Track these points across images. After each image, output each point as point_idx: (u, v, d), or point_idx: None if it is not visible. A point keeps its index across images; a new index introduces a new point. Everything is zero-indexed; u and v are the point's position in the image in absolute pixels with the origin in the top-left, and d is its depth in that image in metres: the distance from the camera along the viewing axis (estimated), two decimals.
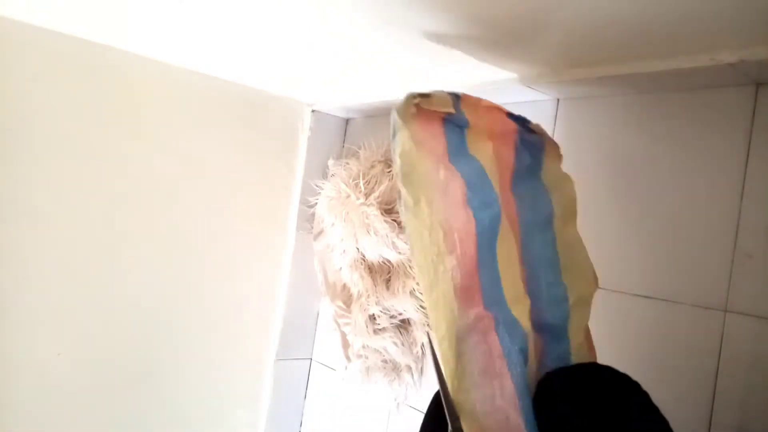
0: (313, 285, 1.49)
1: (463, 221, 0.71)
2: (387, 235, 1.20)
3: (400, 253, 1.21)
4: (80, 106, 1.19)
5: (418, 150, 0.71)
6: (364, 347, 1.32)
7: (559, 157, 0.88)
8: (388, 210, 1.23)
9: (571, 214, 0.85)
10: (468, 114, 0.78)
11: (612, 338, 0.92)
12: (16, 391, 1.16)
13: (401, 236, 1.20)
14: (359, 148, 1.40)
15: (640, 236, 0.93)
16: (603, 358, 0.90)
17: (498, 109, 0.82)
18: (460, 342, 0.68)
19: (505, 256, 0.74)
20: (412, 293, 1.21)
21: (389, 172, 1.31)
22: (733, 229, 0.82)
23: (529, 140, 0.86)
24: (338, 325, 1.40)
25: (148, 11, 0.96)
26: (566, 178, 0.87)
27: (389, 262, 1.27)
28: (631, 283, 0.92)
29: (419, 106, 0.73)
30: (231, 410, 1.44)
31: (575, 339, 0.81)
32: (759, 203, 0.80)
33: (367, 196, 1.26)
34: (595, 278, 0.84)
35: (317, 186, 1.48)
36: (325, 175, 1.50)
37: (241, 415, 1.45)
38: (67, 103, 1.18)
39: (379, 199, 1.24)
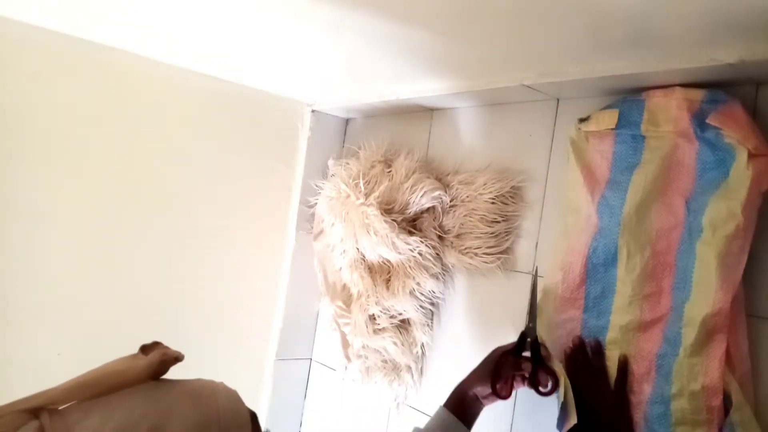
0: (313, 285, 1.49)
1: (580, 245, 0.92)
2: (387, 235, 1.20)
3: (399, 253, 1.21)
4: (80, 106, 1.19)
5: (578, 183, 0.94)
6: (364, 347, 1.31)
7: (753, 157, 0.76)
8: (388, 210, 1.23)
9: (720, 230, 0.76)
10: (646, 101, 0.87)
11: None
12: (16, 391, 1.16)
13: (401, 236, 1.20)
14: (359, 148, 1.40)
15: None
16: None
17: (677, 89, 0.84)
18: (552, 330, 0.95)
19: (632, 270, 0.86)
20: (411, 293, 1.21)
21: (389, 172, 1.31)
22: None
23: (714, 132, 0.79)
24: (338, 325, 1.40)
25: (148, 11, 0.96)
26: (740, 183, 0.76)
27: (389, 262, 1.26)
28: None
29: (588, 130, 0.92)
30: None
31: (680, 383, 0.79)
32: None
33: (367, 196, 1.26)
34: (714, 303, 0.76)
35: (317, 186, 1.48)
36: (325, 175, 1.50)
37: None
38: (67, 103, 1.18)
39: (379, 199, 1.24)
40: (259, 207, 1.46)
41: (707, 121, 0.78)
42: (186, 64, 1.29)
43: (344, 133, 1.57)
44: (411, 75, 1.13)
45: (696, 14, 0.67)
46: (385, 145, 1.37)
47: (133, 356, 0.76)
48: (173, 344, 1.41)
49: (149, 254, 1.30)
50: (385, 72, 1.14)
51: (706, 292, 0.76)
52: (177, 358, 0.76)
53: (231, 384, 0.73)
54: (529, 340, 0.93)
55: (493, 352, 0.95)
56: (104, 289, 1.25)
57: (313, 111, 1.50)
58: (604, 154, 0.92)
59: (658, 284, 0.84)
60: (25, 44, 1.12)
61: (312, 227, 1.49)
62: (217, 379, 0.74)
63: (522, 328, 0.94)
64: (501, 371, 0.91)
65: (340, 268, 1.39)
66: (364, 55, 1.03)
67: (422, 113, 1.35)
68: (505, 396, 0.91)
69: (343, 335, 1.39)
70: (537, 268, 1.01)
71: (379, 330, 1.28)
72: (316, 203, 1.47)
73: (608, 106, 0.93)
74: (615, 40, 0.79)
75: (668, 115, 0.84)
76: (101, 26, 1.11)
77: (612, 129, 0.90)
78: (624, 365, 0.86)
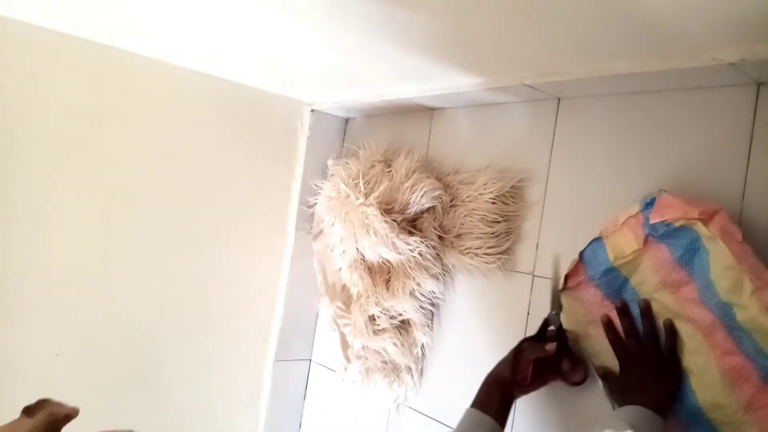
0: (313, 285, 1.49)
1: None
2: (387, 235, 1.20)
3: (399, 253, 1.21)
4: (80, 105, 1.19)
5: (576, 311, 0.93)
6: (363, 348, 1.31)
7: (708, 229, 0.77)
8: (388, 210, 1.23)
9: (736, 291, 0.74)
10: (603, 238, 0.88)
11: None
12: (15, 391, 1.16)
13: (401, 236, 1.19)
14: (359, 148, 1.40)
15: None
16: None
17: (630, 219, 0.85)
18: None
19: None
20: (411, 294, 1.21)
21: (389, 171, 1.30)
22: None
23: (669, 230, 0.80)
24: (338, 325, 1.40)
25: (148, 11, 0.96)
26: (720, 255, 0.76)
27: (389, 262, 1.26)
28: None
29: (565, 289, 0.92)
30: (230, 411, 1.43)
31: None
32: (760, 203, 0.80)
33: (366, 196, 1.26)
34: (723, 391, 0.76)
35: (317, 186, 1.47)
36: (324, 175, 1.50)
37: (240, 416, 1.45)
38: (67, 103, 1.18)
39: (379, 199, 1.23)
40: (258, 207, 1.46)
41: (651, 223, 0.81)
42: (186, 64, 1.29)
43: (344, 132, 1.57)
44: (411, 74, 1.12)
45: (697, 13, 0.67)
46: (384, 145, 1.37)
47: (16, 421, 0.67)
48: (172, 344, 1.42)
49: (148, 254, 1.30)
50: (385, 71, 1.13)
51: None
52: (68, 415, 0.67)
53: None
54: (552, 328, 0.91)
55: (518, 344, 0.94)
56: (102, 289, 1.24)
57: (312, 110, 1.50)
58: (597, 298, 0.90)
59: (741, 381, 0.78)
60: (25, 44, 1.12)
61: (311, 227, 1.49)
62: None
63: (531, 327, 0.95)
64: (521, 356, 0.89)
65: (340, 268, 1.39)
66: (363, 54, 1.03)
67: (422, 113, 1.35)
68: (523, 381, 0.88)
69: (343, 336, 1.38)
70: (558, 255, 0.98)
71: (379, 331, 1.28)
72: (315, 203, 1.47)
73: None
74: (616, 40, 0.79)
75: (626, 238, 0.85)
76: (101, 26, 1.11)
77: (584, 277, 0.90)
78: (671, 327, 0.82)
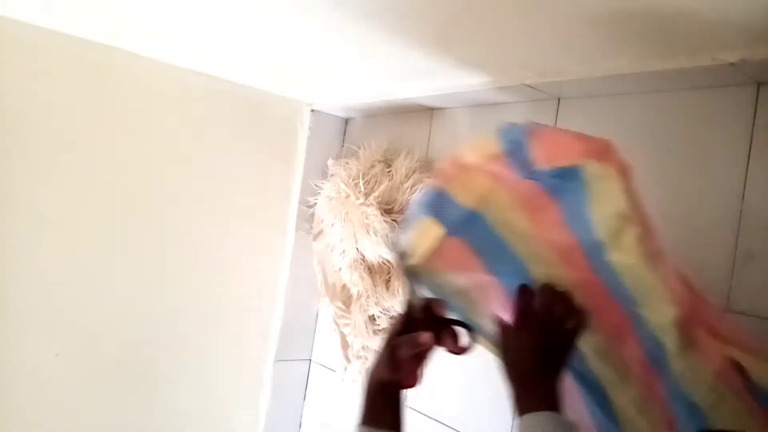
0: (313, 285, 1.49)
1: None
2: (387, 235, 1.20)
3: None
4: (80, 105, 1.19)
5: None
6: (363, 348, 1.31)
7: (600, 168, 0.69)
8: (388, 210, 1.23)
9: (614, 235, 0.69)
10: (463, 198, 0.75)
11: None
12: (14, 392, 1.16)
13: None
14: (359, 148, 1.40)
15: None
16: None
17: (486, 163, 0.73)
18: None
19: None
20: None
21: (389, 171, 1.30)
22: (734, 229, 0.82)
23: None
24: (338, 325, 1.40)
25: (148, 11, 0.96)
26: (607, 196, 0.69)
27: (389, 262, 1.26)
28: None
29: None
30: (230, 411, 1.43)
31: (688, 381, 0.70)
32: (760, 204, 0.80)
33: (366, 196, 1.26)
34: (674, 296, 0.70)
35: (317, 186, 1.47)
36: (324, 175, 1.50)
37: (240, 416, 1.45)
38: (67, 103, 1.18)
39: (379, 199, 1.23)
40: (258, 207, 1.46)
41: (536, 169, 0.69)
42: (186, 64, 1.29)
43: (344, 132, 1.57)
44: (411, 74, 1.12)
45: (697, 14, 0.67)
46: (384, 145, 1.37)
47: None
48: (172, 344, 1.42)
49: (148, 254, 1.29)
50: (385, 71, 1.13)
51: (655, 299, 0.70)
52: None
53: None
54: (415, 309, 0.78)
55: (385, 340, 0.79)
56: (102, 289, 1.24)
57: (312, 111, 1.50)
58: (463, 252, 0.80)
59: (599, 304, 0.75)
60: (25, 44, 1.12)
61: (311, 227, 1.49)
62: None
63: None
64: (397, 355, 0.76)
65: (340, 268, 1.38)
66: (363, 54, 1.03)
67: (422, 113, 1.35)
68: (409, 380, 0.77)
69: (343, 336, 1.38)
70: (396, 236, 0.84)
71: (379, 331, 1.28)
72: (315, 203, 1.47)
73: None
74: (616, 40, 0.79)
75: (478, 180, 0.73)
76: (101, 26, 1.10)
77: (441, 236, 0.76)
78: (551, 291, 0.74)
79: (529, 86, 1.01)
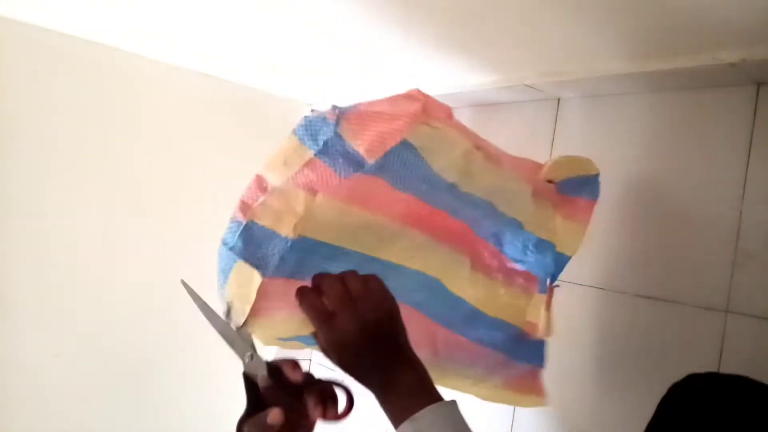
0: None
1: None
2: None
3: None
4: (80, 106, 1.19)
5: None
6: None
7: (430, 130, 0.64)
8: None
9: (464, 172, 0.67)
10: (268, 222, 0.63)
11: (614, 338, 0.92)
12: (14, 392, 1.16)
13: None
14: None
15: (640, 236, 0.92)
16: (607, 357, 0.90)
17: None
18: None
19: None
20: None
21: None
22: (735, 229, 0.82)
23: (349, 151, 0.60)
24: None
25: (148, 11, 0.96)
26: (445, 147, 0.65)
27: None
28: (632, 284, 0.92)
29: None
30: (230, 411, 1.43)
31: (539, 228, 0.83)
32: (760, 203, 0.80)
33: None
34: (523, 173, 0.82)
35: None
36: None
37: (239, 417, 1.44)
38: (67, 103, 1.18)
39: None
40: None
41: (368, 161, 0.59)
42: (186, 64, 1.29)
43: None
44: (411, 74, 1.12)
45: (697, 13, 0.67)
46: None
47: None
48: (172, 343, 1.41)
49: (148, 254, 1.30)
50: (385, 71, 1.13)
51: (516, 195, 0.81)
52: None
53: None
54: (260, 378, 0.65)
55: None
56: (101, 289, 1.24)
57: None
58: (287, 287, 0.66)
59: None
60: (25, 44, 1.12)
61: None
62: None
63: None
64: None
65: None
66: (364, 54, 1.03)
67: None
68: None
69: None
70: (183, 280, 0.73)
71: None
72: None
73: None
74: (616, 40, 0.79)
75: (293, 197, 0.61)
76: (101, 26, 1.11)
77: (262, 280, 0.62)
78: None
79: (529, 86, 1.01)
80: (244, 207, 0.64)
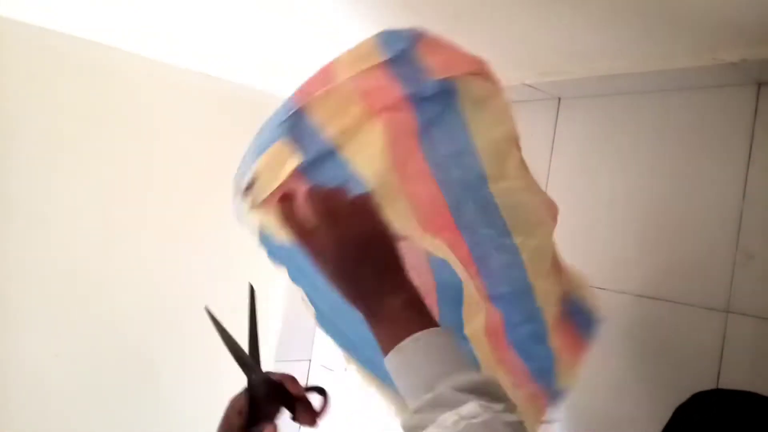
0: None
1: None
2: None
3: None
4: (79, 105, 1.19)
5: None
6: None
7: (483, 88, 0.63)
8: None
9: (501, 160, 0.64)
10: (324, 122, 0.60)
11: (615, 338, 0.92)
12: (14, 392, 1.15)
13: None
14: None
15: (641, 237, 0.92)
16: (608, 358, 0.89)
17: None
18: None
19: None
20: None
21: None
22: (735, 229, 0.82)
23: (428, 94, 0.61)
24: None
25: (148, 11, 0.96)
26: (493, 119, 0.64)
27: None
28: (633, 284, 0.91)
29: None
30: None
31: (546, 305, 0.68)
32: (761, 203, 0.80)
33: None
34: (551, 212, 0.70)
35: None
36: None
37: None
38: (67, 103, 1.18)
39: None
40: None
41: (426, 80, 0.58)
42: (186, 64, 1.29)
43: None
44: None
45: (697, 14, 0.67)
46: None
47: None
48: (171, 344, 1.41)
49: (147, 255, 1.29)
50: None
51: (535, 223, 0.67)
52: None
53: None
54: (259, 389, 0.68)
55: (224, 417, 0.71)
56: (101, 289, 1.24)
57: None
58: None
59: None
60: (25, 44, 1.12)
61: None
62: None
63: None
64: None
65: None
66: None
67: None
68: None
69: None
70: (251, 286, 0.74)
71: None
72: None
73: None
74: (616, 40, 0.79)
75: (346, 99, 0.59)
76: (101, 26, 1.10)
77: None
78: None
79: (529, 86, 1.01)
80: (303, 93, 0.60)
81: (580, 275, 0.78)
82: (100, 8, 0.99)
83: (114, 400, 1.27)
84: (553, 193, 1.05)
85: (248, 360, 0.69)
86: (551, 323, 0.70)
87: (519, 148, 0.67)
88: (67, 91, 1.18)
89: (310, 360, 1.55)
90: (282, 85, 1.39)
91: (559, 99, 1.07)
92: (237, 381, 0.66)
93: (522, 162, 0.68)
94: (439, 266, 0.62)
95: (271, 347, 1.49)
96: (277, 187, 0.58)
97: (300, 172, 0.58)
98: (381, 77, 0.58)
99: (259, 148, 0.62)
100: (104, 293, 1.24)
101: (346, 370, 1.37)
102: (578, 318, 0.75)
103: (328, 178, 0.58)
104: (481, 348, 0.65)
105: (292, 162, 0.57)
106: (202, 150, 1.36)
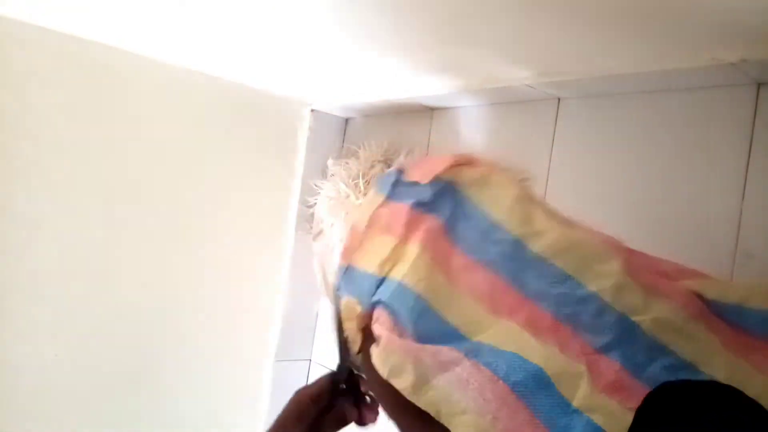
0: (313, 285, 1.49)
1: None
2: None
3: None
4: (79, 105, 1.19)
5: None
6: None
7: (477, 171, 0.73)
8: None
9: (526, 220, 0.68)
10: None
11: None
12: (13, 393, 1.16)
13: None
14: (359, 148, 1.40)
15: (641, 237, 0.92)
16: None
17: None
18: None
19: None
20: None
21: None
22: (735, 229, 0.82)
23: (431, 198, 0.72)
24: None
25: (148, 11, 0.96)
26: (498, 190, 0.71)
27: None
28: None
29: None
30: (230, 412, 1.43)
31: (663, 333, 0.60)
32: (760, 203, 0.80)
33: (366, 196, 1.26)
34: (610, 245, 0.66)
35: (316, 186, 1.47)
36: (324, 175, 1.50)
37: (239, 417, 1.45)
38: (66, 103, 1.18)
39: None
40: (258, 207, 1.46)
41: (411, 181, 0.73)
42: (186, 64, 1.29)
43: (344, 132, 1.57)
44: (411, 74, 1.12)
45: (697, 13, 0.67)
46: (385, 145, 1.37)
47: None
48: (171, 344, 1.41)
49: (147, 254, 1.29)
50: (385, 71, 1.13)
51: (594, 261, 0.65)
52: None
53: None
54: (343, 385, 0.78)
55: (296, 404, 0.81)
56: (101, 289, 1.24)
57: (312, 110, 1.50)
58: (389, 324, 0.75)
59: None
60: (25, 44, 1.12)
61: (311, 227, 1.49)
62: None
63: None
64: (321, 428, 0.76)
65: None
66: (364, 54, 1.03)
67: (422, 112, 1.34)
68: None
69: None
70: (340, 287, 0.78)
71: None
72: (315, 203, 1.46)
73: None
74: (616, 39, 0.79)
75: (379, 241, 0.72)
76: (101, 26, 1.10)
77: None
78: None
79: (529, 86, 1.01)
80: (345, 253, 0.75)
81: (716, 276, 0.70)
82: (100, 8, 0.99)
83: (114, 400, 1.27)
84: (553, 193, 1.06)
85: (343, 349, 0.77)
86: (706, 348, 0.60)
87: (538, 202, 0.69)
88: (67, 90, 1.18)
89: (310, 360, 1.55)
90: (282, 85, 1.39)
91: (559, 99, 1.07)
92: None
93: (549, 212, 0.69)
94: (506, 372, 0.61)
95: (271, 346, 1.49)
96: (356, 333, 0.73)
97: (368, 312, 0.71)
98: (390, 207, 0.72)
99: (335, 312, 0.76)
100: (104, 293, 1.24)
101: None
102: (744, 320, 0.64)
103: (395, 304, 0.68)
104: (606, 405, 0.57)
105: (357, 309, 0.72)
106: (201, 149, 1.36)
